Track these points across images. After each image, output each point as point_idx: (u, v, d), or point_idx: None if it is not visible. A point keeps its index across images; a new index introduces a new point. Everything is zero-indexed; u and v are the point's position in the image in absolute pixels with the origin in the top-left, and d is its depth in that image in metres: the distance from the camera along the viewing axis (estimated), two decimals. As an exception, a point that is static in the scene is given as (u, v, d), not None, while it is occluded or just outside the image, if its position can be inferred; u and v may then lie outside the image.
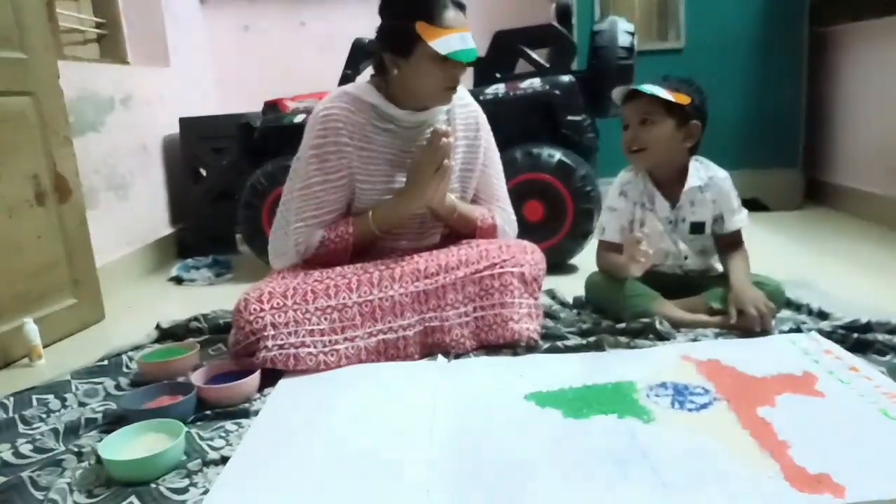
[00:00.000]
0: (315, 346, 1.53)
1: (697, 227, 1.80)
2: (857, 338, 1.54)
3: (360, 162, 1.67)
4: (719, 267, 1.88)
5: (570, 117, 2.41)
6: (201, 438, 1.28)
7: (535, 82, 2.42)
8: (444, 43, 1.53)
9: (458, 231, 1.80)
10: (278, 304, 1.53)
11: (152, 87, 3.09)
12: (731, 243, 1.82)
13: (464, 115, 1.79)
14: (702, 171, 1.80)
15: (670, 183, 1.80)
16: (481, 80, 2.65)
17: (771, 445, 1.12)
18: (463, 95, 1.80)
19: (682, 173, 1.79)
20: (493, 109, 2.09)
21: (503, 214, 1.86)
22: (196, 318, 1.92)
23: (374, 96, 1.67)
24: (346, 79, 2.59)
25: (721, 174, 1.80)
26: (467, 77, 2.68)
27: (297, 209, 1.69)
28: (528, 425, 1.24)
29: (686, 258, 1.82)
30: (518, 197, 2.33)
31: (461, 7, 1.60)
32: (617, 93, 1.78)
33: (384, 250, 1.75)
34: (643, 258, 1.66)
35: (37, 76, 1.98)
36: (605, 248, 1.86)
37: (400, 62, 1.61)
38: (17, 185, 1.91)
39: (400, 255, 1.71)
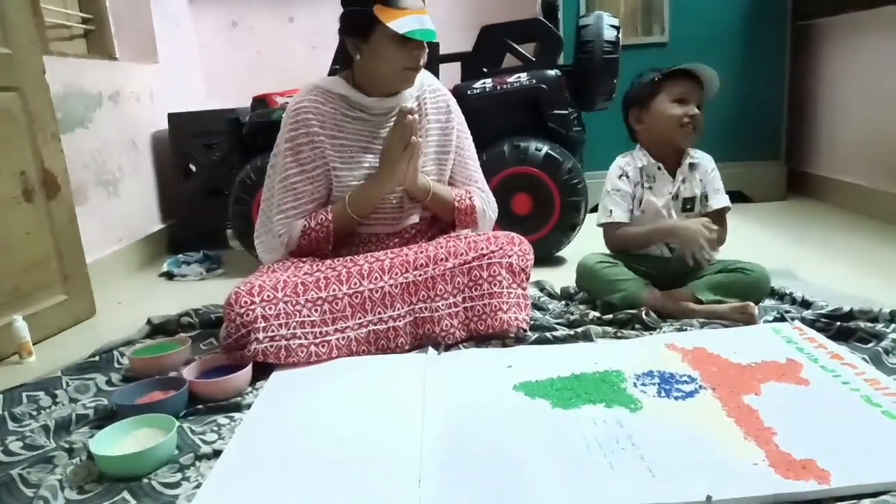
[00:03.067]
0: (306, 338, 1.54)
1: (689, 203, 1.88)
2: (840, 326, 1.57)
3: (334, 151, 1.71)
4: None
5: (556, 111, 2.42)
6: (193, 433, 1.27)
7: (522, 77, 2.43)
8: (400, 23, 1.57)
9: (436, 213, 1.83)
10: (269, 296, 1.53)
11: (141, 83, 3.08)
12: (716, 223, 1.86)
13: (434, 100, 1.83)
14: (692, 154, 1.90)
15: (668, 163, 1.88)
16: (468, 75, 2.65)
17: (756, 432, 1.14)
18: (432, 82, 1.85)
19: (678, 155, 1.88)
20: (481, 104, 2.11)
21: (482, 195, 1.88)
22: (187, 314, 1.92)
23: (343, 87, 1.72)
24: (334, 74, 2.58)
25: (706, 157, 1.93)
26: (455, 73, 2.70)
27: (278, 202, 1.71)
28: (517, 415, 1.25)
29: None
30: (506, 190, 2.35)
31: None
32: (687, 67, 1.83)
33: (365, 236, 1.77)
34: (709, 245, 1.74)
35: (22, 71, 1.96)
36: (616, 229, 1.89)
37: (361, 46, 1.65)
38: (5, 181, 1.89)
39: (388, 246, 1.73)
